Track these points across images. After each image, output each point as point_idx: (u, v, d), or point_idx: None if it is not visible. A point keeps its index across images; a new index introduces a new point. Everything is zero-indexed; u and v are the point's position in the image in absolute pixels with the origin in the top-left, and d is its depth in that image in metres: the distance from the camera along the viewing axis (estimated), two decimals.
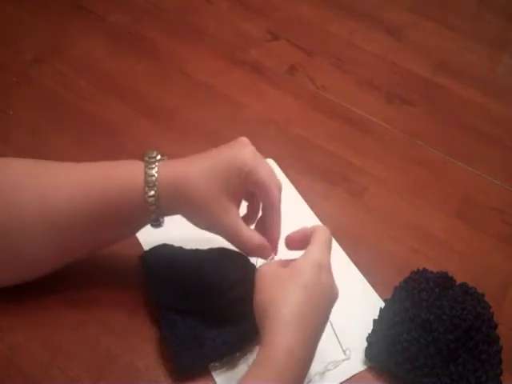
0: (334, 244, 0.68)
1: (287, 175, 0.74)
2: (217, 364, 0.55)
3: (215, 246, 0.60)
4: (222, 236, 0.55)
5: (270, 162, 0.75)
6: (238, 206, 0.55)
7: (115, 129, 0.77)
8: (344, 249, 0.68)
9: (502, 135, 0.87)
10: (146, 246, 0.62)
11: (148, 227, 0.56)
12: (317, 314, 0.49)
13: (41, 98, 0.79)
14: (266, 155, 0.75)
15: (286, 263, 0.52)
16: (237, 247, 0.56)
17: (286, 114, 0.84)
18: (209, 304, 0.56)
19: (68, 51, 0.87)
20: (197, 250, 0.60)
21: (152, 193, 0.51)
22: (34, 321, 0.56)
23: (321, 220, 0.70)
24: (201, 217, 0.54)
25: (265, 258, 0.56)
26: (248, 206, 0.59)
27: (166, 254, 0.60)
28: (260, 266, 0.54)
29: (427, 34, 1.04)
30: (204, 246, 0.60)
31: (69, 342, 0.55)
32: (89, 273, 0.59)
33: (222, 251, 0.59)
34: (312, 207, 0.72)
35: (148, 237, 0.63)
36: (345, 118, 0.85)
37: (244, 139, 0.54)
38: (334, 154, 0.79)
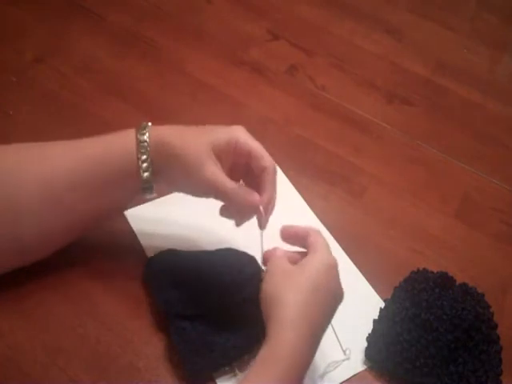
0: (334, 244, 0.68)
1: (287, 175, 0.74)
2: (227, 368, 0.55)
3: (220, 247, 0.60)
4: (207, 193, 0.55)
5: None
6: (224, 169, 0.56)
7: (115, 129, 0.76)
8: (344, 249, 0.68)
9: (502, 135, 0.88)
10: (148, 251, 0.62)
11: (149, 230, 0.56)
12: (323, 312, 0.51)
13: (41, 98, 0.79)
14: None
15: (295, 259, 0.53)
16: (222, 200, 0.56)
17: (285, 114, 0.84)
18: (217, 307, 0.56)
19: (68, 51, 0.87)
20: (202, 253, 0.60)
21: (144, 157, 0.53)
22: (35, 321, 0.56)
23: (321, 220, 0.70)
24: (187, 171, 0.54)
25: (248, 211, 0.55)
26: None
27: (170, 259, 0.60)
28: (270, 261, 0.54)
29: (427, 34, 1.04)
30: (208, 249, 0.61)
31: (69, 342, 0.55)
32: (89, 273, 0.60)
33: (227, 252, 0.59)
34: (312, 207, 0.72)
35: (150, 242, 0.63)
36: (345, 118, 0.85)
37: (240, 126, 0.57)
38: (334, 153, 0.80)
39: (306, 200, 0.72)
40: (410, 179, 0.79)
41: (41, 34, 0.89)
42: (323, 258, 0.52)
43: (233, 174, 0.56)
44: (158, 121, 0.79)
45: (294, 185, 0.74)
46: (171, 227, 0.56)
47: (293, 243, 0.56)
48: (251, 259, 0.58)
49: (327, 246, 0.54)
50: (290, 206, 0.71)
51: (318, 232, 0.55)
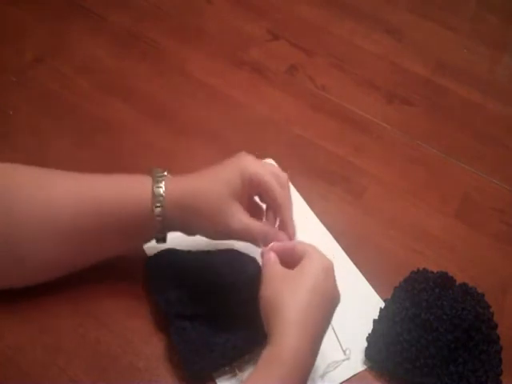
0: (334, 244, 0.68)
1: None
2: (227, 368, 0.55)
3: (220, 248, 0.60)
4: (231, 238, 0.56)
5: (270, 162, 0.75)
6: (244, 208, 0.56)
7: (115, 129, 0.77)
8: (344, 249, 0.68)
9: (502, 135, 0.88)
10: (148, 249, 0.62)
11: None
12: (323, 315, 0.51)
13: (41, 98, 0.79)
14: (266, 155, 0.75)
15: (290, 264, 0.53)
16: (249, 241, 0.56)
17: (285, 114, 0.84)
18: (218, 307, 0.56)
19: (68, 51, 0.87)
20: (203, 253, 0.60)
21: (159, 210, 0.53)
22: (35, 321, 0.56)
23: (321, 220, 0.70)
24: (210, 221, 0.54)
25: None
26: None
27: (170, 259, 0.60)
28: (265, 266, 0.54)
29: (427, 34, 1.04)
30: (208, 249, 0.61)
31: (69, 342, 0.56)
32: (89, 273, 0.59)
33: (228, 253, 0.59)
34: (312, 207, 0.72)
35: (150, 242, 0.63)
36: (345, 118, 0.85)
37: (243, 152, 0.57)
38: (334, 153, 0.80)
39: (306, 200, 0.72)
40: (410, 179, 0.79)
41: (41, 34, 0.89)
42: (321, 261, 0.52)
43: (250, 206, 0.57)
44: (157, 121, 0.79)
45: (293, 185, 0.73)
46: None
47: (281, 257, 0.55)
48: (252, 260, 0.58)
49: (320, 250, 0.54)
50: None
51: (303, 242, 0.55)
